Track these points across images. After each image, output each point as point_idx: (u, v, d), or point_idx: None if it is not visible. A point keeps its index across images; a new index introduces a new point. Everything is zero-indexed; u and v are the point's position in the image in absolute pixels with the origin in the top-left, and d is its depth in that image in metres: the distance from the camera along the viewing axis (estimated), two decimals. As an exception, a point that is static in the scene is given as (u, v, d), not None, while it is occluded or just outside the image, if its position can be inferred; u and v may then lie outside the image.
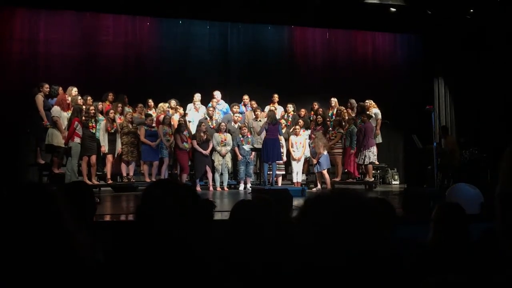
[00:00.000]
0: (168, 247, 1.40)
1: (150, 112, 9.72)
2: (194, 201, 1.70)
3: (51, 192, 1.39)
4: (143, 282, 1.35)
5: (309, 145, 9.82)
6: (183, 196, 1.56)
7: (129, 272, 1.35)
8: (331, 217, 0.86)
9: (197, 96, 10.28)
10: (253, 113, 10.30)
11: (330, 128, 9.95)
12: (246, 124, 10.01)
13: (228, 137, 9.61)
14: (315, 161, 9.45)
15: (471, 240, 2.35)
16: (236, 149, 9.58)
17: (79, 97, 9.05)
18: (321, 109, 10.32)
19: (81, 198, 2.30)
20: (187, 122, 9.84)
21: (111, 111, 9.10)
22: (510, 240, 0.86)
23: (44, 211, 1.31)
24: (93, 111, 8.76)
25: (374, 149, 9.71)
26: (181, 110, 10.13)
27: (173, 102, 10.03)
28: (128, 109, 9.65)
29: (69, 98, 9.09)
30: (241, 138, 9.60)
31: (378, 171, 10.56)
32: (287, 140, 9.83)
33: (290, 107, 10.55)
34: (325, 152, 9.38)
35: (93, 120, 8.71)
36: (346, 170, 10.00)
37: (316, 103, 10.70)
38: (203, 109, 10.30)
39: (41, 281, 1.23)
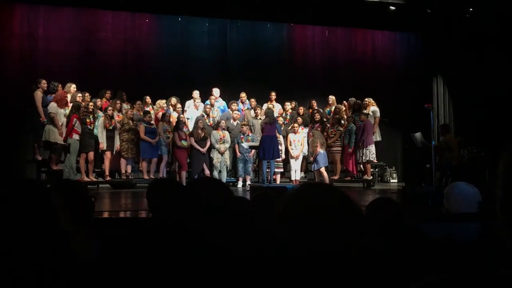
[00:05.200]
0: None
1: (147, 109, 9.69)
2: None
3: (47, 189, 1.38)
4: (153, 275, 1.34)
5: (308, 143, 9.82)
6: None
7: (133, 267, 1.34)
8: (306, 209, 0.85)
9: (196, 94, 10.26)
10: (252, 111, 10.28)
11: (328, 125, 9.96)
12: (246, 122, 9.97)
13: (227, 134, 9.59)
14: (312, 159, 9.44)
15: (470, 239, 2.35)
16: (236, 146, 9.57)
17: (78, 94, 9.03)
18: (316, 107, 10.31)
19: (74, 197, 2.27)
20: (186, 120, 9.83)
21: (110, 108, 9.08)
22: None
23: (41, 208, 1.30)
24: (91, 107, 8.75)
25: (372, 148, 9.69)
26: (179, 107, 10.10)
27: (173, 100, 10.01)
28: (126, 106, 9.64)
29: (69, 95, 9.07)
30: (241, 136, 9.58)
31: (377, 170, 10.56)
32: (285, 137, 9.82)
33: (288, 105, 10.53)
34: (322, 150, 9.33)
35: (91, 116, 8.69)
36: (344, 168, 10.01)
37: (314, 101, 10.71)
38: (202, 106, 10.27)
39: (38, 279, 1.23)
